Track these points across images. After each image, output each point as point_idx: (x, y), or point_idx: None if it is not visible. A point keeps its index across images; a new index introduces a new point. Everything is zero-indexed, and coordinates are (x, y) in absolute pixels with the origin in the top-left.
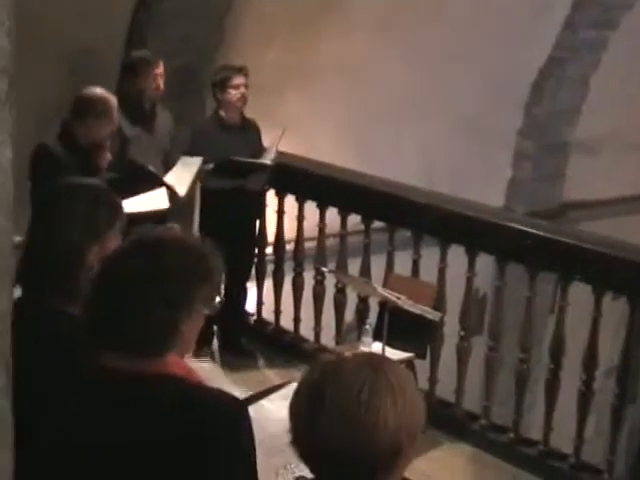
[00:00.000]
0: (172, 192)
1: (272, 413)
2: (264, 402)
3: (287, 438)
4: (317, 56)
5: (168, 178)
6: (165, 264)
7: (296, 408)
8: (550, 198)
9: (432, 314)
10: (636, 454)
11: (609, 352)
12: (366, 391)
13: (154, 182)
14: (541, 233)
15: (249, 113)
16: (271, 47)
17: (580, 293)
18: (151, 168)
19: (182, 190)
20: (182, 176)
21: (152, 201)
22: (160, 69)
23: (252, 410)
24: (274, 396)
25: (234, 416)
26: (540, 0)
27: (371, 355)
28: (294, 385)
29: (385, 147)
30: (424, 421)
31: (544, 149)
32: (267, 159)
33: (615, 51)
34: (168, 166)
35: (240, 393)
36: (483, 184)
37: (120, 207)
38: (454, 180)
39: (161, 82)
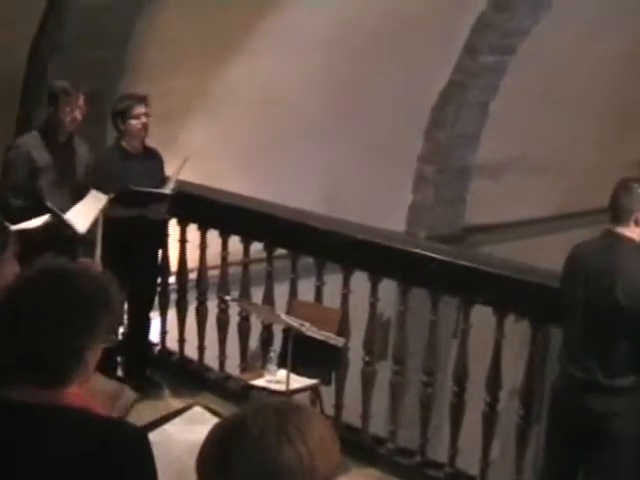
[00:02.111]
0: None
1: (176, 436)
2: (167, 426)
3: (193, 461)
4: (223, 82)
5: (71, 213)
6: (69, 294)
7: (203, 469)
8: (452, 222)
9: (336, 340)
10: (541, 474)
11: (514, 373)
12: (273, 451)
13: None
14: (443, 257)
15: (155, 140)
16: (177, 73)
17: (484, 316)
18: (49, 204)
19: (83, 226)
20: (86, 211)
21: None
22: (80, 101)
23: (156, 435)
24: (176, 420)
25: (135, 445)
26: (440, 25)
27: (277, 408)
28: (196, 409)
29: (289, 173)
30: (338, 460)
31: (445, 173)
32: (167, 189)
33: (514, 76)
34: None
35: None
36: (385, 209)
37: (11, 231)
38: (356, 206)
39: (79, 114)
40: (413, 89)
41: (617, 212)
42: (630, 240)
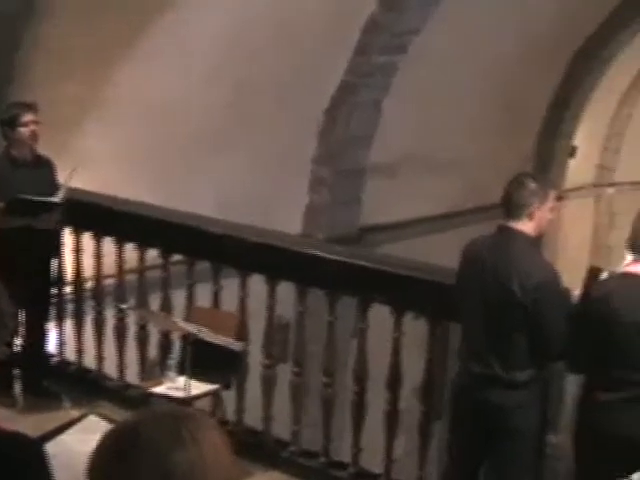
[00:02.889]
0: None
1: (72, 446)
2: (64, 437)
3: None
4: (115, 87)
5: None
6: None
7: (94, 477)
8: (348, 223)
9: (234, 344)
10: (445, 470)
11: (417, 371)
12: (166, 457)
13: None
14: (339, 258)
15: (47, 148)
16: (69, 81)
17: (384, 315)
18: None
19: None
20: None
21: None
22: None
23: (54, 446)
24: (72, 430)
25: (31, 456)
26: (330, 26)
27: (169, 414)
28: (91, 418)
29: (184, 178)
30: (231, 466)
31: (340, 174)
32: (57, 197)
33: (405, 75)
34: None
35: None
36: (281, 212)
37: None
38: (252, 209)
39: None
40: (306, 91)
41: (511, 207)
42: (524, 234)
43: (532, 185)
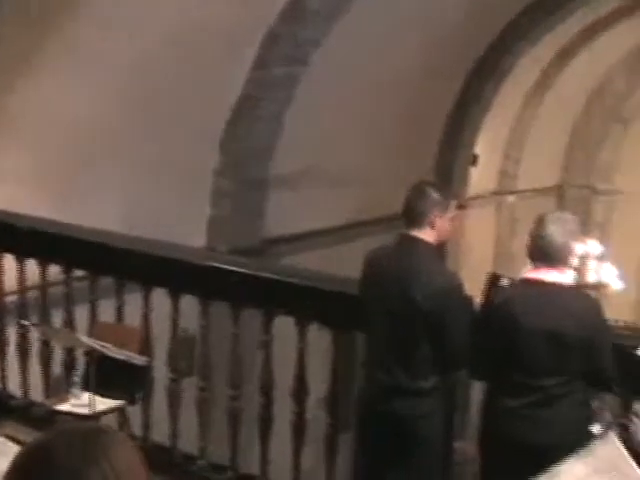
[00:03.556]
0: None
1: None
2: None
3: None
4: (20, 104)
5: None
6: None
7: None
8: (251, 235)
9: (138, 359)
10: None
11: (323, 382)
12: (80, 474)
13: None
14: (242, 270)
15: None
16: None
17: (290, 325)
18: None
19: None
20: None
21: None
22: None
23: None
24: None
25: None
26: (230, 38)
27: (81, 431)
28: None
29: (89, 194)
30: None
31: (242, 187)
32: None
33: (306, 87)
34: None
35: None
36: (185, 225)
37: None
38: (155, 223)
39: None
40: (206, 103)
41: (412, 216)
42: (426, 243)
43: (433, 194)
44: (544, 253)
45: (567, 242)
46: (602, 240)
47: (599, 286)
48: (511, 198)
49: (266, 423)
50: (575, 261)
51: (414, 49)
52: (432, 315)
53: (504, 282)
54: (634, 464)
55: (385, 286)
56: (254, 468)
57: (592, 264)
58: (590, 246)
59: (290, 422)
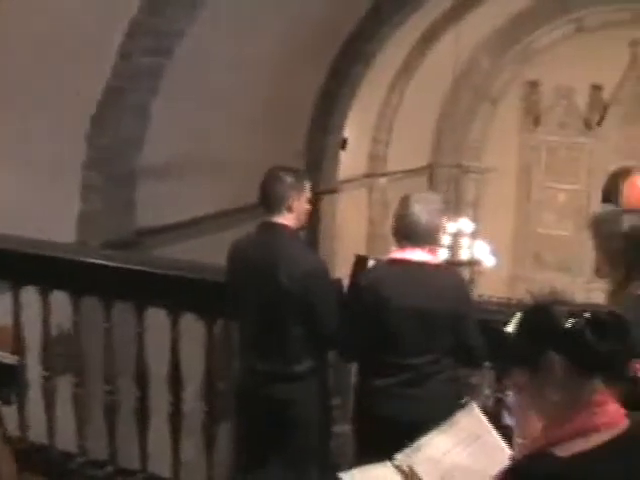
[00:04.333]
0: None
1: None
2: None
3: None
4: None
5: None
6: None
7: None
8: (123, 227)
9: (10, 358)
10: (233, 466)
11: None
12: None
13: None
14: (111, 263)
15: None
16: None
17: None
18: None
19: None
20: None
21: None
22: None
23: None
24: None
25: None
26: (92, 30)
27: None
28: None
29: None
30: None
31: (111, 179)
32: None
33: (172, 77)
34: None
35: None
36: (54, 221)
37: None
38: (25, 220)
39: None
40: (70, 97)
41: (270, 202)
42: (286, 227)
43: (287, 178)
44: (409, 233)
45: (431, 221)
46: (474, 218)
47: (472, 263)
48: (382, 180)
49: (143, 416)
50: (447, 239)
51: (280, 34)
52: (300, 298)
53: (371, 263)
54: (496, 434)
55: (251, 274)
56: (134, 462)
57: (465, 242)
58: (462, 224)
59: (167, 413)
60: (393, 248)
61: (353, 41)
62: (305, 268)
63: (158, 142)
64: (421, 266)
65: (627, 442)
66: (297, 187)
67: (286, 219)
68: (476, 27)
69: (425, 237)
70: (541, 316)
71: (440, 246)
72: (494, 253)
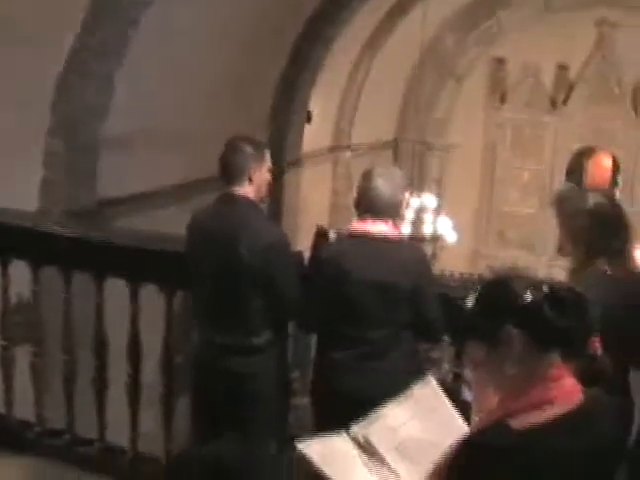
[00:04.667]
0: None
1: None
2: None
3: None
4: None
5: None
6: None
7: None
8: (85, 197)
9: None
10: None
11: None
12: None
13: None
14: (72, 234)
15: None
16: None
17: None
18: None
19: None
20: None
21: None
22: None
23: None
24: None
25: None
26: (55, 2)
27: None
28: None
29: None
30: None
31: (74, 148)
32: None
33: (138, 49)
34: None
35: None
36: (16, 188)
37: None
38: None
39: None
40: (35, 66)
41: (230, 173)
42: (247, 199)
43: (247, 148)
44: (371, 205)
45: (393, 195)
46: (438, 194)
47: (435, 238)
48: (346, 154)
49: (101, 386)
50: (411, 214)
51: (246, 7)
52: (260, 270)
53: (332, 235)
54: (452, 407)
55: (211, 245)
56: (93, 432)
57: (428, 217)
58: (426, 199)
59: (125, 384)
60: (354, 220)
61: (317, 16)
62: (266, 240)
63: (123, 112)
64: (382, 239)
65: (581, 416)
66: (257, 157)
67: (247, 190)
68: (443, 4)
69: (387, 210)
70: (500, 290)
71: (402, 220)
72: (457, 229)
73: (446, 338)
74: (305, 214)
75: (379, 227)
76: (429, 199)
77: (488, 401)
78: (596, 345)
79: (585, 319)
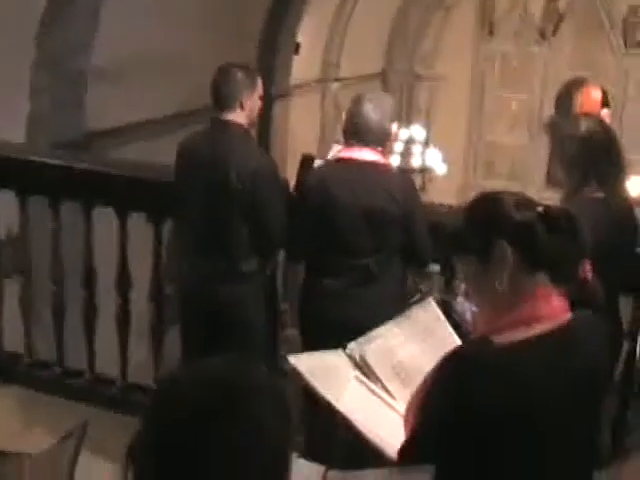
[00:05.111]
0: None
1: None
2: None
3: None
4: None
5: None
6: None
7: None
8: (73, 129)
9: None
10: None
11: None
12: None
13: None
14: (59, 162)
15: None
16: None
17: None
18: None
19: None
20: None
21: None
22: None
23: None
24: None
25: None
26: None
27: None
28: None
29: None
30: None
31: (61, 80)
32: None
33: None
34: None
35: None
36: (3, 121)
37: None
38: None
39: None
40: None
41: (221, 99)
42: (238, 125)
43: (239, 74)
44: (358, 131)
45: (382, 121)
46: (426, 125)
47: (424, 170)
48: (335, 85)
49: (90, 317)
50: (400, 146)
51: None
52: (248, 196)
53: (318, 162)
54: (452, 330)
55: (200, 170)
56: (83, 364)
57: (416, 149)
58: (414, 131)
59: (114, 314)
60: (337, 147)
61: None
62: (255, 166)
63: (110, 42)
64: (370, 165)
65: (568, 335)
66: (249, 84)
67: (238, 116)
68: None
69: (373, 137)
70: (491, 206)
71: (389, 148)
72: (446, 161)
73: (436, 268)
74: (293, 146)
75: (365, 154)
76: (418, 131)
77: (478, 322)
78: (587, 269)
79: (577, 242)
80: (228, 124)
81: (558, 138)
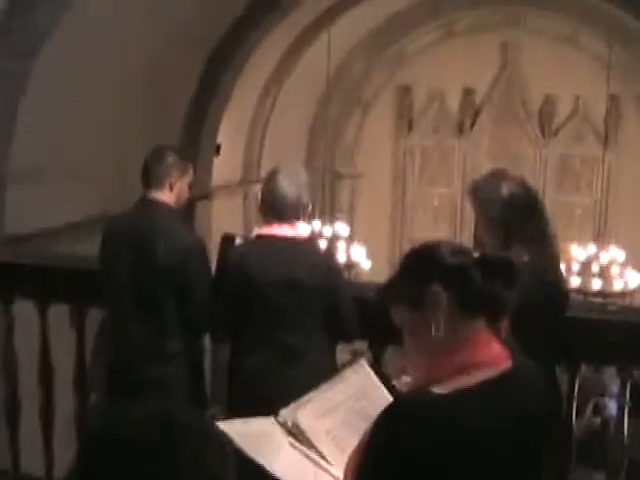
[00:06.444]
0: None
1: None
2: None
3: None
4: None
5: None
6: None
7: None
8: None
9: None
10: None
11: None
12: None
13: None
14: None
15: None
16: None
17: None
18: None
19: None
20: None
21: None
22: None
23: None
24: None
25: None
26: None
27: None
28: None
29: None
30: None
31: None
32: None
33: (42, 79)
34: None
35: None
36: None
37: None
38: None
39: None
40: None
41: (151, 178)
42: (166, 204)
43: (172, 157)
44: (275, 208)
45: (298, 195)
46: (349, 221)
47: (349, 266)
48: (257, 187)
49: (12, 413)
50: (324, 243)
51: (148, 40)
52: (177, 275)
53: (238, 241)
54: (385, 390)
55: (128, 249)
56: (5, 463)
57: (341, 245)
58: (338, 228)
59: (38, 407)
60: (260, 224)
61: (222, 47)
62: (182, 244)
63: (27, 146)
64: (289, 240)
65: (506, 382)
66: (181, 167)
67: (166, 196)
68: (349, 31)
69: (293, 212)
70: (425, 253)
71: (304, 221)
72: (370, 256)
73: (364, 346)
74: (216, 247)
75: (284, 230)
76: (341, 227)
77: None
78: (504, 326)
79: (513, 288)
80: (156, 202)
81: (480, 202)
